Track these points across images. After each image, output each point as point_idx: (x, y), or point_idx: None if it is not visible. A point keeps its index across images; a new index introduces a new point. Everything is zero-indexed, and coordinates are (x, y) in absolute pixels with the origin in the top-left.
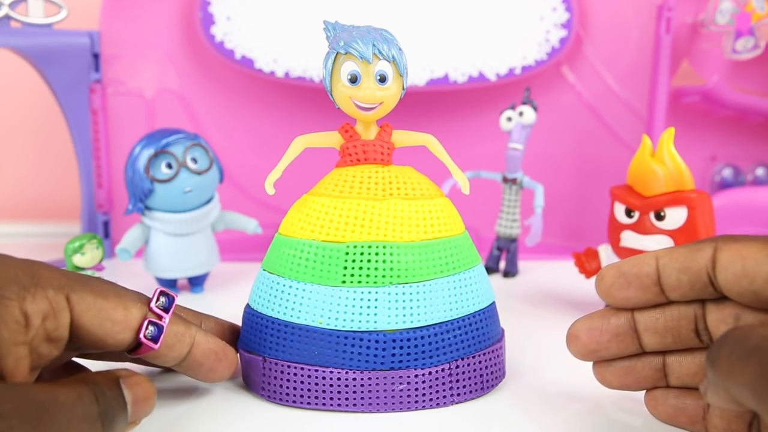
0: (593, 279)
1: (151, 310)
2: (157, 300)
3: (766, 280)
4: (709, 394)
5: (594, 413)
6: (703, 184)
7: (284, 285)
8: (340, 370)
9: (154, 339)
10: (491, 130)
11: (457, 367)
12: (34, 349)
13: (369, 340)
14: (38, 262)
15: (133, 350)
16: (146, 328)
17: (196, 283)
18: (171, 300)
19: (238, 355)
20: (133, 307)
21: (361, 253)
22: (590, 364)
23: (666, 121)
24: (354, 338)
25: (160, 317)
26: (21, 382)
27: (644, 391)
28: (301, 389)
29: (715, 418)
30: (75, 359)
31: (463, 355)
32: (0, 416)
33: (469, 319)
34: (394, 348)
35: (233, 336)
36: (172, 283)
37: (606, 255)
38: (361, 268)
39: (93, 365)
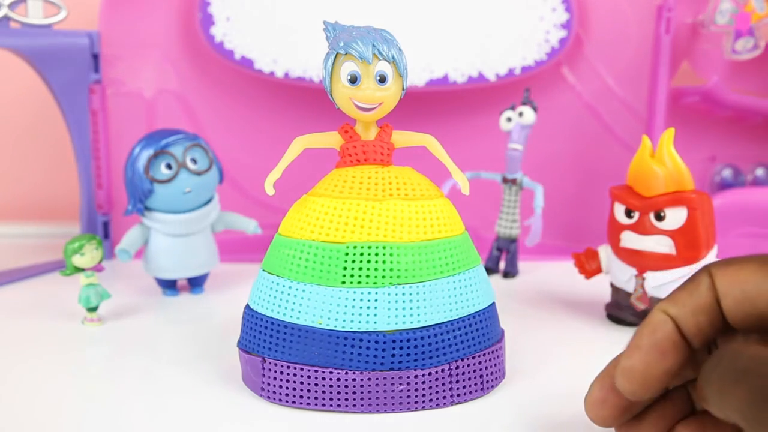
0: (593, 279)
1: None
2: None
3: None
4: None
5: None
6: (703, 184)
7: (284, 285)
8: (339, 371)
9: None
10: (491, 130)
11: (457, 367)
12: None
13: (369, 341)
14: None
15: None
16: None
17: (195, 283)
18: None
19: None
20: None
21: (361, 254)
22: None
23: (666, 122)
24: (354, 339)
25: None
26: None
27: None
28: (301, 390)
29: None
30: None
31: (463, 355)
32: None
33: (469, 319)
34: (393, 348)
35: None
36: (171, 284)
37: (606, 255)
38: (360, 268)
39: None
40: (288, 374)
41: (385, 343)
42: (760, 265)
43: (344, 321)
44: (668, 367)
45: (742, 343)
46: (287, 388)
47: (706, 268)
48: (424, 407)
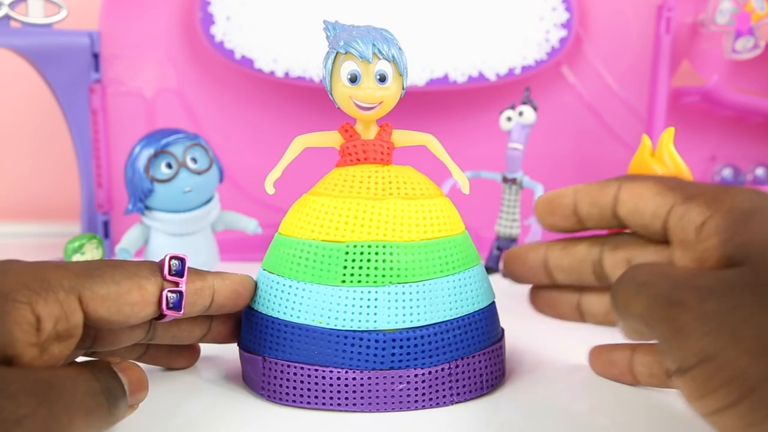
0: None
1: (165, 279)
2: (170, 267)
3: (652, 215)
4: (620, 329)
5: (594, 413)
6: None
7: (284, 285)
8: (339, 370)
9: (176, 307)
10: (491, 130)
11: (457, 366)
12: (46, 349)
13: (369, 340)
14: (46, 264)
15: (160, 318)
16: (166, 299)
17: None
18: (182, 262)
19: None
20: (147, 284)
21: (361, 253)
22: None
23: (666, 121)
24: (354, 338)
25: (176, 284)
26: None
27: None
28: (301, 389)
29: (638, 366)
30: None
31: (463, 354)
32: (8, 396)
33: (469, 318)
34: (393, 347)
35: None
36: None
37: None
38: (360, 267)
39: None
40: (288, 373)
41: (385, 342)
42: (655, 184)
43: (344, 320)
44: (553, 222)
45: (641, 264)
46: (287, 387)
47: (619, 179)
48: (424, 406)
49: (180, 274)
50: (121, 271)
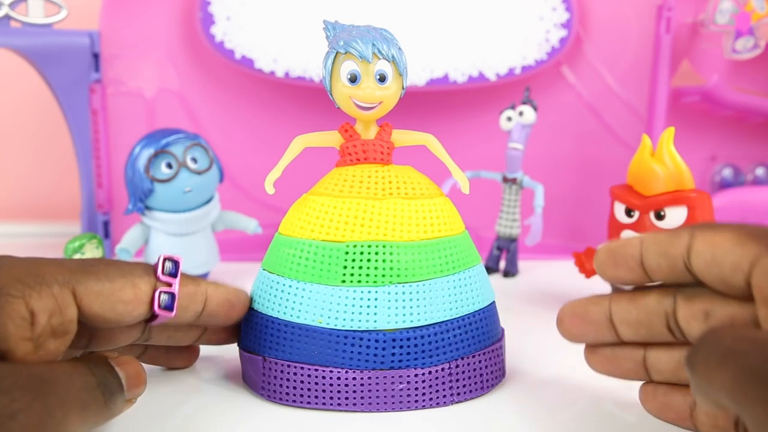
0: (593, 279)
1: (159, 279)
2: (163, 268)
3: (732, 268)
4: (696, 398)
5: (594, 413)
6: (703, 184)
7: (284, 284)
8: (339, 370)
9: (169, 307)
10: (491, 130)
11: (457, 366)
12: (41, 345)
13: (369, 340)
14: (40, 259)
15: (151, 319)
16: (159, 299)
17: None
18: (176, 264)
19: (239, 352)
20: (140, 283)
21: (361, 253)
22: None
23: (666, 121)
24: (354, 338)
25: (169, 284)
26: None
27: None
28: (301, 389)
29: (701, 415)
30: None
31: (463, 354)
32: (1, 391)
33: (468, 318)
34: (393, 347)
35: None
36: None
37: None
38: (360, 267)
39: None
40: (288, 373)
41: (385, 341)
42: (734, 233)
43: (344, 320)
44: (616, 275)
45: (723, 327)
46: (287, 387)
47: (692, 228)
48: (424, 406)
49: (173, 275)
50: (115, 269)
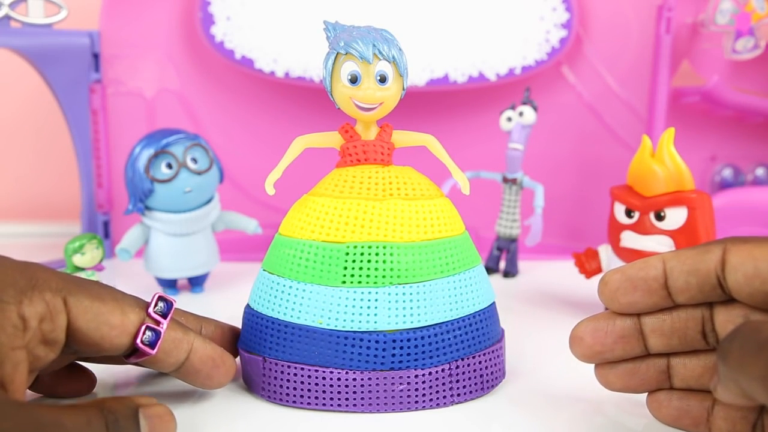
0: (593, 279)
1: (149, 315)
2: (156, 305)
3: None
4: (720, 390)
5: (594, 413)
6: (703, 184)
7: (284, 285)
8: (340, 371)
9: (151, 344)
10: (491, 130)
11: (457, 367)
12: (31, 351)
13: (369, 341)
14: (35, 265)
15: (131, 355)
16: (143, 333)
17: (196, 283)
18: (170, 305)
19: (238, 358)
20: (130, 312)
21: (361, 254)
22: (588, 363)
23: (666, 121)
24: (354, 338)
25: (158, 323)
26: (27, 401)
27: (645, 393)
28: (301, 389)
29: (719, 420)
30: (78, 362)
31: (463, 355)
32: None
33: (469, 319)
34: (394, 348)
35: (233, 339)
36: (172, 283)
37: (606, 255)
38: (361, 268)
39: (94, 368)
40: (288, 374)
41: (385, 342)
42: None
43: (344, 321)
44: (632, 301)
45: (761, 320)
46: (287, 387)
47: (722, 242)
48: (424, 407)
49: (164, 315)
50: (108, 293)
